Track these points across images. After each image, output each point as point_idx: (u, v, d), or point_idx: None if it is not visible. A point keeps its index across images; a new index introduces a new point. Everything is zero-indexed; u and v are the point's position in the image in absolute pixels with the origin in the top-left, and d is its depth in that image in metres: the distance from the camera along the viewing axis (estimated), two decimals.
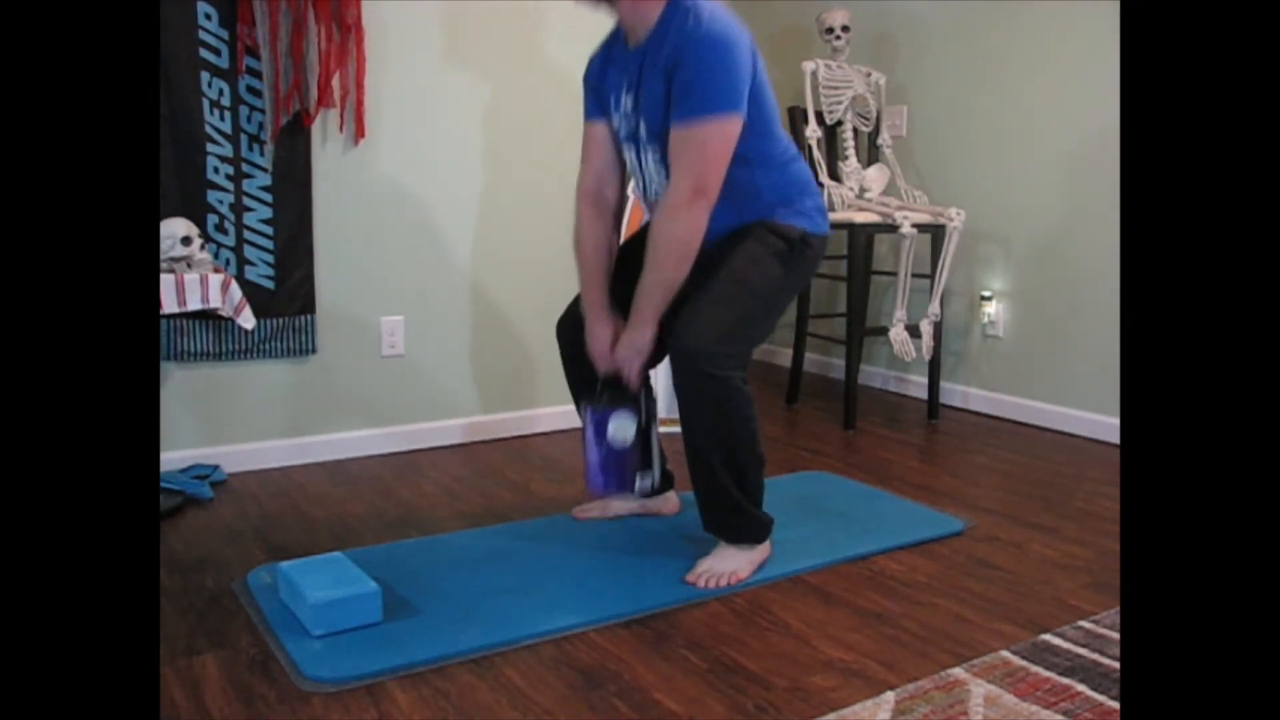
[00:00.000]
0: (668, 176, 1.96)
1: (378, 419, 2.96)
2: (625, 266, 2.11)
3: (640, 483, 2.05)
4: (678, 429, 2.11)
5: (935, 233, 3.39)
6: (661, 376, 2.69)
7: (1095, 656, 1.72)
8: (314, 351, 2.82)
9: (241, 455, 2.75)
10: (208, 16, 2.54)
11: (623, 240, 2.23)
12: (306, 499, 2.54)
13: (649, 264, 1.95)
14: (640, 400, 2.03)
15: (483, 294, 3.08)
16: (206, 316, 2.61)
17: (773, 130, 2.01)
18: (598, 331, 2.07)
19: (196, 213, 2.57)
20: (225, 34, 2.56)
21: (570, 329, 2.19)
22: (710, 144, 1.88)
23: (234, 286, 2.34)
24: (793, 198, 2.05)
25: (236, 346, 2.69)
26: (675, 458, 2.43)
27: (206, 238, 2.58)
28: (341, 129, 2.77)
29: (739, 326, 1.93)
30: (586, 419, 2.05)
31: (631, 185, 2.18)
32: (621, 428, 2.01)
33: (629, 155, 2.11)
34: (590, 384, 2.13)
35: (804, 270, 2.08)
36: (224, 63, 2.58)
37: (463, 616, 1.84)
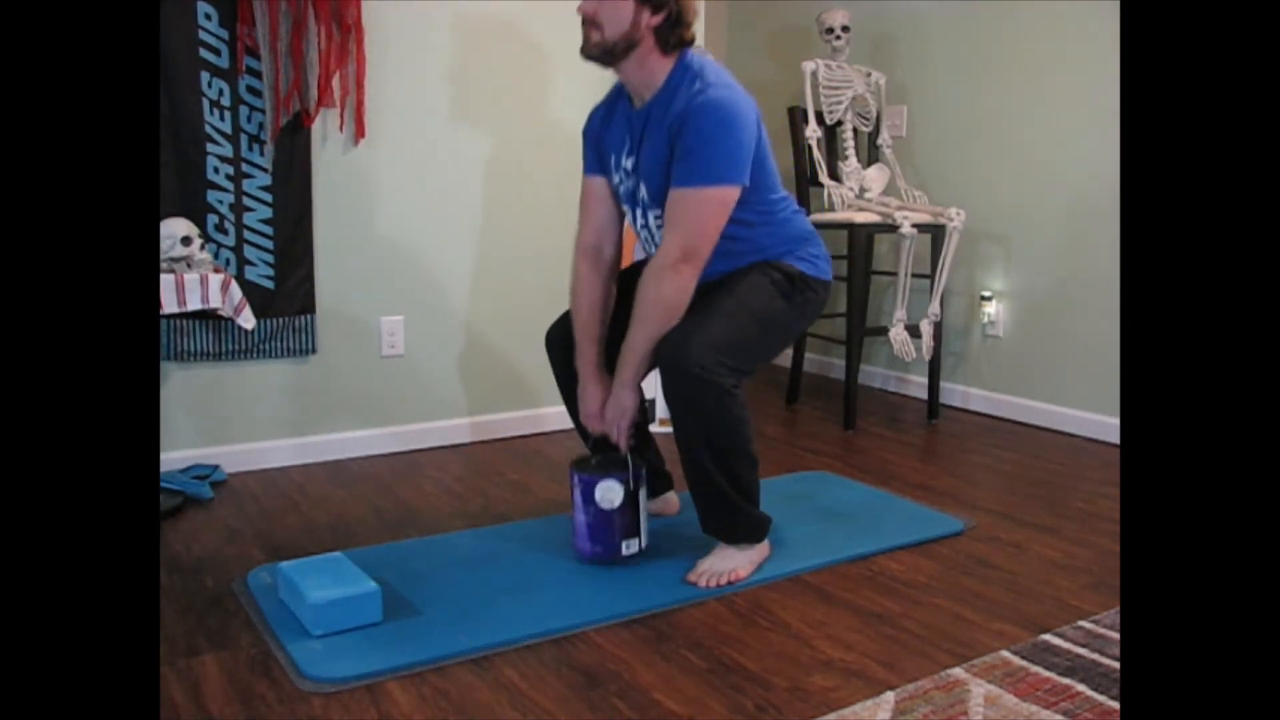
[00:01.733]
0: None
1: (378, 419, 2.96)
2: (621, 297, 2.12)
3: (626, 549, 2.06)
4: (666, 429, 2.12)
5: (935, 233, 3.39)
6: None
7: (1095, 656, 1.72)
8: (314, 351, 2.82)
9: (241, 455, 2.75)
10: (208, 16, 2.54)
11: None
12: (306, 499, 2.54)
13: (633, 322, 1.95)
14: (629, 466, 2.04)
15: (483, 294, 3.08)
16: (206, 316, 2.61)
17: (773, 194, 2.03)
18: (591, 393, 2.08)
19: (196, 213, 2.57)
20: (225, 34, 2.56)
21: (560, 344, 2.20)
22: (706, 210, 1.89)
23: (234, 286, 2.34)
24: (794, 248, 2.07)
25: (236, 346, 2.69)
26: (673, 457, 2.43)
27: (206, 238, 2.58)
28: (341, 129, 2.77)
29: (733, 340, 1.91)
30: (575, 483, 2.05)
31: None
32: (609, 493, 2.02)
33: (630, 216, 2.11)
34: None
35: (805, 308, 2.08)
36: (224, 63, 2.58)
37: (463, 616, 1.84)
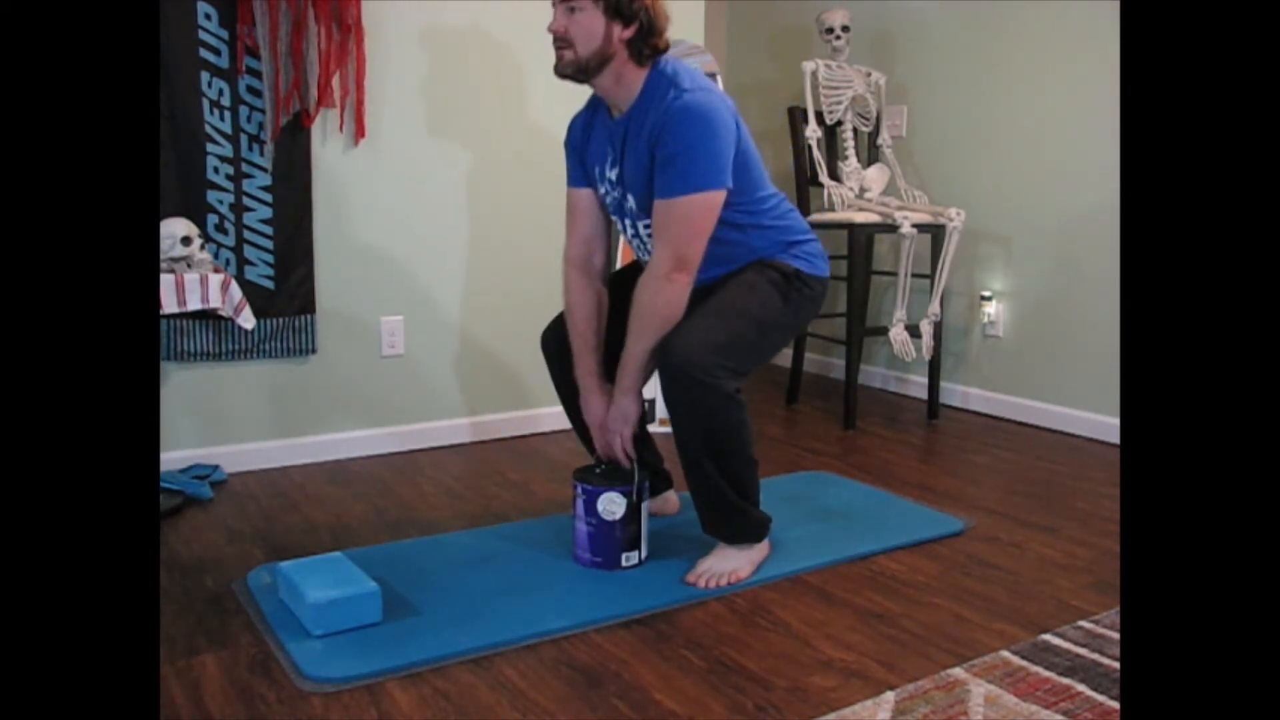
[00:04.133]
0: None
1: (378, 419, 2.96)
2: (616, 292, 2.13)
3: (626, 561, 2.06)
4: (670, 429, 2.08)
5: (935, 233, 3.39)
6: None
7: (1095, 656, 1.72)
8: (314, 351, 2.82)
9: (241, 455, 2.75)
10: (208, 16, 2.54)
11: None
12: (306, 499, 2.54)
13: (630, 333, 1.96)
14: (633, 478, 2.04)
15: (483, 294, 3.08)
16: (206, 316, 2.61)
17: (760, 192, 2.02)
18: (594, 403, 2.08)
19: (196, 213, 2.57)
20: (225, 34, 2.56)
21: (555, 348, 2.20)
22: (692, 218, 1.89)
23: (234, 286, 2.34)
24: (788, 246, 2.07)
25: (236, 346, 2.69)
26: (673, 457, 2.43)
27: (206, 238, 2.58)
28: (341, 129, 2.77)
29: (731, 342, 1.91)
30: (578, 492, 2.06)
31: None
32: (611, 504, 2.02)
33: (620, 226, 2.12)
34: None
35: (802, 306, 2.08)
36: (224, 63, 2.58)
37: (463, 616, 1.84)
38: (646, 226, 2.01)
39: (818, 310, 2.16)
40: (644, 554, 2.09)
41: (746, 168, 1.96)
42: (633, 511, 2.04)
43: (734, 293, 1.98)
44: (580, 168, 2.12)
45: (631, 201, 2.01)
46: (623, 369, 2.00)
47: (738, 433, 1.93)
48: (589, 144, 2.09)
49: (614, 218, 2.12)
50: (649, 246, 2.03)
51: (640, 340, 1.95)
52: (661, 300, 1.91)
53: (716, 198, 1.89)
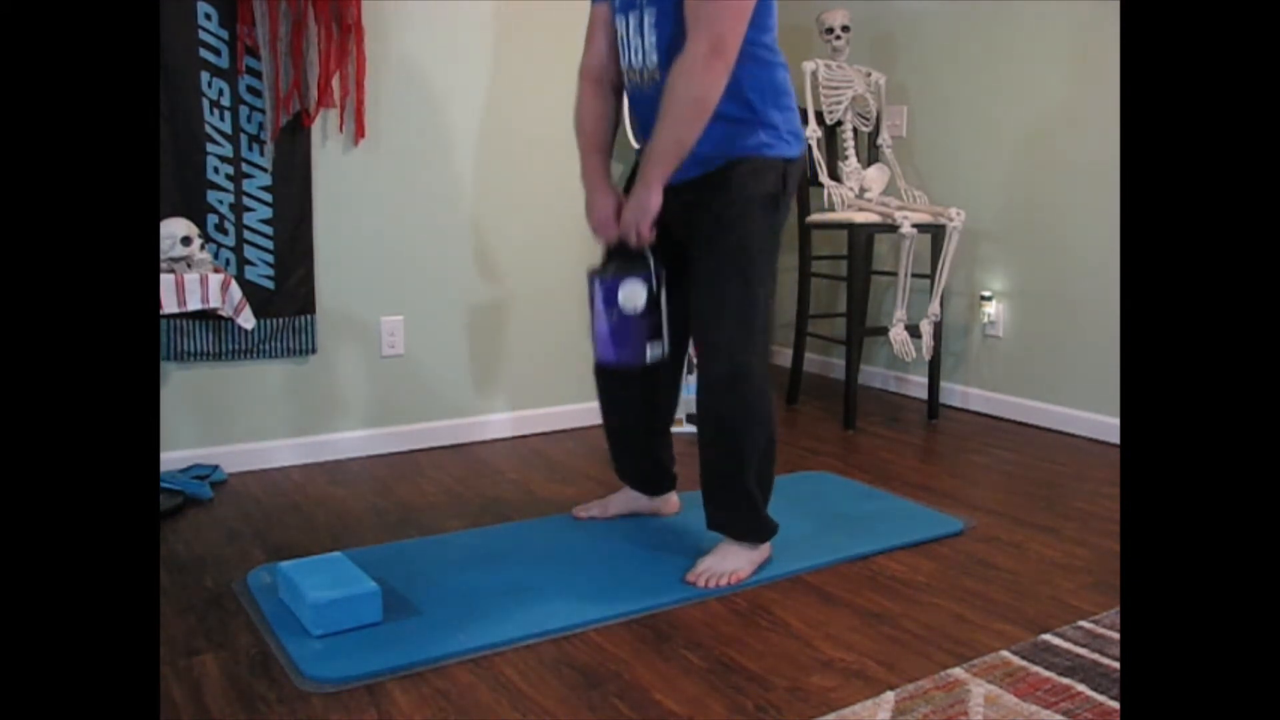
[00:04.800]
0: (658, 40, 1.92)
1: (378, 419, 2.96)
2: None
3: (651, 351, 1.99)
4: (684, 429, 2.11)
5: (935, 233, 3.39)
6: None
7: (1095, 656, 1.72)
8: (314, 351, 2.82)
9: (241, 455, 2.75)
10: (208, 16, 2.54)
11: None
12: (306, 499, 2.54)
13: (661, 124, 1.88)
14: (649, 267, 1.98)
15: (483, 294, 3.08)
16: (206, 316, 2.61)
17: (768, 24, 1.96)
18: (600, 201, 2.04)
19: (196, 213, 2.57)
20: (225, 34, 2.56)
21: (609, 385, 2.23)
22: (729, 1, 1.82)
23: (234, 286, 2.34)
24: (771, 110, 1.98)
25: (236, 346, 2.69)
26: (682, 456, 2.43)
27: (206, 238, 2.58)
28: (341, 129, 2.77)
29: (757, 317, 1.95)
30: (595, 289, 2.00)
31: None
32: (632, 294, 1.95)
33: (621, 26, 2.03)
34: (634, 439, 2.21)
35: (787, 203, 2.04)
36: (224, 63, 2.58)
37: (463, 616, 1.84)
38: (652, 20, 1.93)
39: (798, 188, 2.13)
40: (667, 347, 2.04)
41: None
42: (653, 300, 1.99)
43: (741, 266, 1.95)
44: None
45: None
46: (648, 158, 1.92)
47: (766, 421, 1.98)
48: None
49: (619, 17, 2.03)
50: (645, 44, 1.96)
51: (672, 129, 1.87)
52: (698, 85, 1.84)
53: None
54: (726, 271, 1.94)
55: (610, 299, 1.96)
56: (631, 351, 1.99)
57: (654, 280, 1.98)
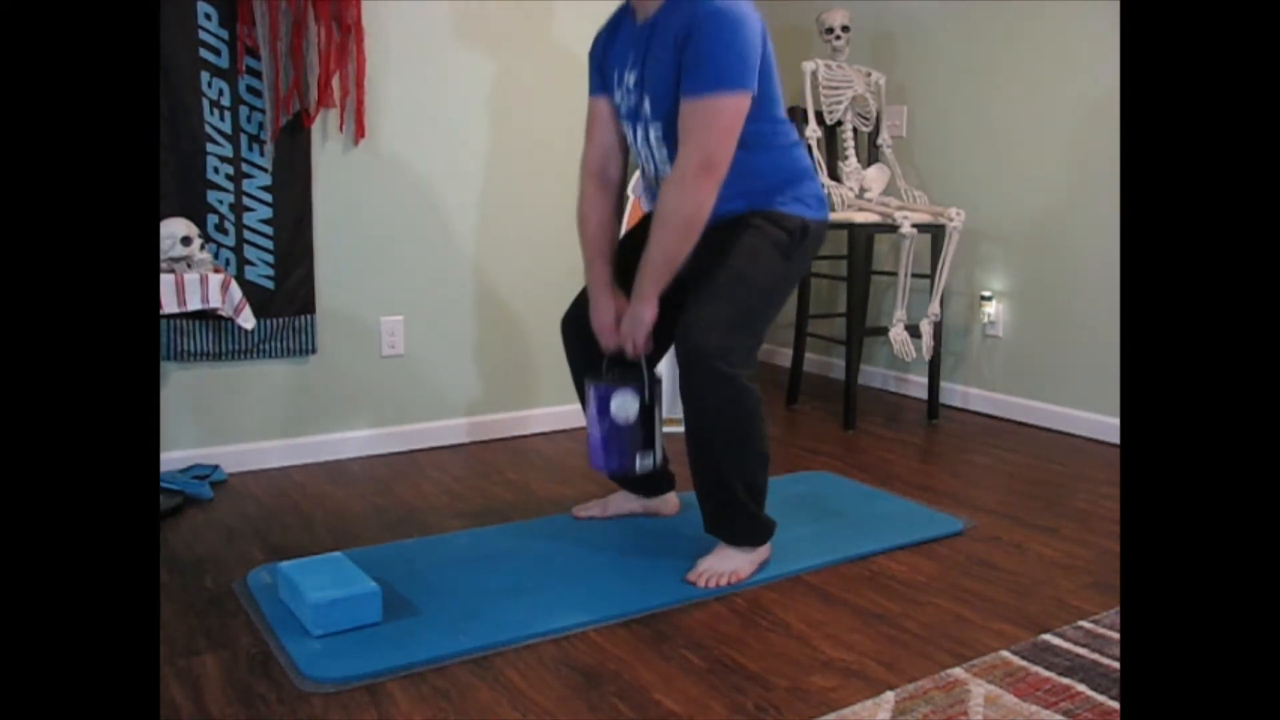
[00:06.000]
0: (670, 153, 1.96)
1: (378, 419, 2.96)
2: (625, 255, 2.11)
3: (641, 461, 2.03)
4: (679, 429, 2.09)
5: (935, 233, 3.39)
6: (666, 376, 2.69)
7: (1095, 656, 1.72)
8: (314, 351, 2.82)
9: (241, 455, 2.75)
10: (208, 16, 2.54)
11: (623, 234, 2.22)
12: (306, 499, 2.54)
13: (653, 237, 1.93)
14: (644, 378, 2.01)
15: (483, 294, 3.08)
16: (206, 316, 2.61)
17: (775, 114, 2.00)
18: (602, 306, 2.06)
19: (196, 213, 2.57)
20: (225, 34, 2.56)
21: (575, 326, 2.19)
22: (721, 118, 1.87)
23: (234, 286, 2.34)
24: (792, 182, 2.04)
25: (236, 346, 2.69)
26: (677, 458, 2.43)
27: (206, 238, 2.58)
28: (341, 129, 2.77)
29: (743, 321, 1.93)
30: (590, 396, 2.04)
31: (631, 185, 2.17)
32: (625, 405, 1.99)
33: (629, 133, 2.09)
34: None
35: (803, 259, 2.07)
36: (224, 63, 2.58)
37: (463, 616, 1.84)
38: (659, 136, 1.99)
39: (816, 253, 2.15)
40: (659, 457, 2.07)
41: (768, 82, 1.95)
42: (646, 412, 2.02)
43: (738, 264, 1.96)
44: (600, 76, 2.11)
45: (647, 106, 1.98)
46: (642, 273, 1.96)
47: (754, 423, 1.94)
48: (611, 50, 2.07)
49: (625, 124, 2.09)
50: (656, 156, 2.02)
51: (663, 244, 1.92)
52: (688, 202, 1.89)
53: (743, 100, 1.88)
54: (723, 290, 1.93)
55: (603, 408, 2.01)
56: (621, 461, 2.05)
57: (647, 392, 2.02)
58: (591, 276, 2.09)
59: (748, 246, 1.98)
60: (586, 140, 2.15)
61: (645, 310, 1.98)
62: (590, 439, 2.07)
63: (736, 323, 1.91)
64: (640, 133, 2.05)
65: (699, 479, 2.00)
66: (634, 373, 2.04)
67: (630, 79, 2.01)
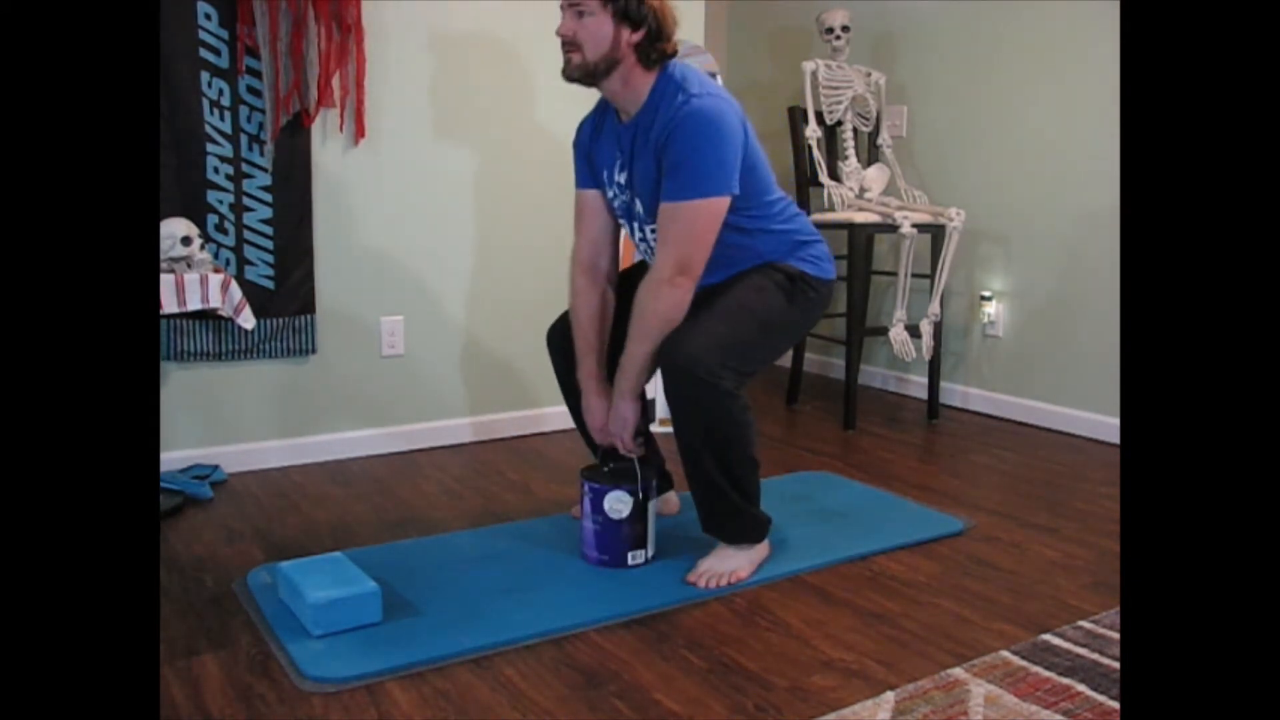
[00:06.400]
0: None
1: (378, 419, 2.96)
2: (621, 298, 2.13)
3: (633, 559, 2.07)
4: (664, 429, 2.12)
5: (935, 233, 3.39)
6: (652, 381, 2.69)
7: (1095, 656, 1.72)
8: (314, 351, 2.82)
9: (241, 455, 2.75)
10: (208, 16, 2.54)
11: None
12: (306, 499, 2.54)
13: (630, 336, 1.96)
14: (638, 477, 2.04)
15: (483, 294, 3.08)
16: (206, 316, 2.61)
17: (767, 197, 2.02)
18: (594, 407, 2.09)
19: (196, 213, 2.57)
20: (225, 34, 2.56)
21: (560, 345, 2.20)
22: (696, 223, 1.89)
23: (234, 286, 2.34)
24: (795, 249, 2.07)
25: (236, 346, 2.69)
26: (674, 457, 2.43)
27: (206, 238, 2.58)
28: (341, 129, 2.77)
29: (734, 342, 1.91)
30: (584, 491, 2.07)
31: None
32: (617, 503, 2.03)
33: (626, 229, 2.12)
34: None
35: (807, 308, 2.08)
36: (224, 63, 2.58)
37: (463, 616, 1.84)
38: (654, 231, 2.00)
39: (822, 312, 2.16)
40: (650, 553, 2.10)
41: (754, 172, 1.96)
42: (639, 510, 2.05)
43: (739, 293, 1.98)
44: (588, 169, 2.12)
45: (639, 206, 2.01)
46: (621, 372, 2.00)
47: (740, 431, 1.93)
48: (598, 147, 2.09)
49: (621, 221, 2.12)
50: (655, 250, 2.03)
51: (640, 343, 1.95)
52: (663, 304, 1.91)
53: (721, 204, 1.89)
54: (721, 314, 1.93)
55: (597, 505, 2.04)
56: (612, 556, 2.07)
57: (641, 491, 2.04)
58: (583, 373, 2.11)
59: (749, 283, 2.01)
60: (576, 233, 2.16)
61: (626, 408, 2.02)
62: (583, 529, 2.10)
63: (727, 341, 1.90)
64: (638, 231, 2.07)
65: (690, 482, 2.01)
66: (628, 472, 2.06)
67: (620, 178, 2.03)
